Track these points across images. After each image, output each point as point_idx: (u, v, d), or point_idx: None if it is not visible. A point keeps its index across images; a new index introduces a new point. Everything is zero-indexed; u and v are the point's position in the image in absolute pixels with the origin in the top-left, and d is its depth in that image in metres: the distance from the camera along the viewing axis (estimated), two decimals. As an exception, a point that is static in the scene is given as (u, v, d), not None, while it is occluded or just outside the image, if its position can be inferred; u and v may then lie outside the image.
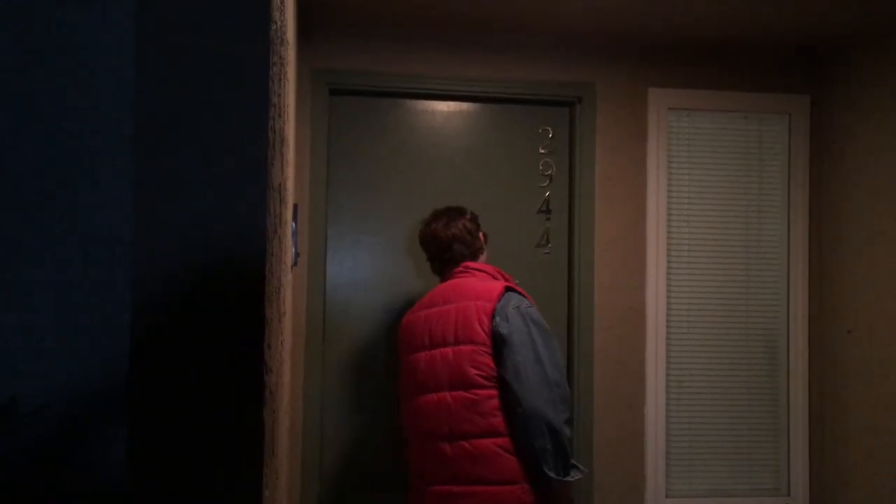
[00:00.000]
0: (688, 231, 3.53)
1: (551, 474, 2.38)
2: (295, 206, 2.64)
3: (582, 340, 3.44)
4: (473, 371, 2.45)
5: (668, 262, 3.50)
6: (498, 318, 2.46)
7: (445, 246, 2.75)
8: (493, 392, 2.44)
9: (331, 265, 3.39)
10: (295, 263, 2.68)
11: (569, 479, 2.40)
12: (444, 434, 2.45)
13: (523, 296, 2.57)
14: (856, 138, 3.36)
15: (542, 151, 3.52)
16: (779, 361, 3.56)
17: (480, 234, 2.81)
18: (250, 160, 1.02)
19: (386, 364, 3.41)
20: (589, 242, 3.46)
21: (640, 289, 3.48)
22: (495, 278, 2.68)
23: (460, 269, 2.72)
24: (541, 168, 3.52)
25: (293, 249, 2.60)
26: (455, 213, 2.80)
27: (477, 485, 2.39)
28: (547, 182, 3.52)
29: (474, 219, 2.82)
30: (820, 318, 3.56)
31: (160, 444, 1.03)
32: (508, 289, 2.56)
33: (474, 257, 2.77)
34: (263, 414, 1.03)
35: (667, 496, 3.46)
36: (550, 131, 3.53)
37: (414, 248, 3.41)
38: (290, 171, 2.12)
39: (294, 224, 2.62)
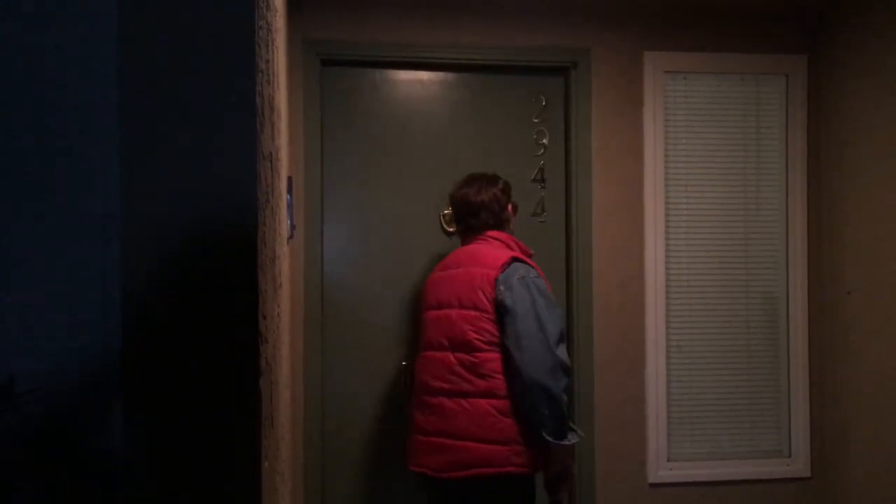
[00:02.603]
0: (686, 195, 3.51)
1: (549, 438, 2.45)
2: (289, 179, 2.61)
3: (581, 307, 3.43)
4: (474, 335, 2.52)
5: (667, 226, 3.49)
6: (502, 287, 2.52)
7: (473, 211, 2.77)
8: (494, 356, 2.51)
9: (328, 237, 3.37)
10: (291, 236, 2.67)
11: (565, 442, 2.47)
12: (444, 390, 2.55)
13: (531, 266, 2.60)
14: (854, 98, 3.32)
15: (536, 120, 3.49)
16: (779, 323, 3.56)
17: (509, 206, 2.83)
18: (239, 127, 1.00)
19: (385, 333, 3.40)
20: (586, 210, 3.44)
21: (638, 254, 3.47)
22: (509, 247, 2.71)
23: (481, 235, 2.76)
24: (535, 137, 3.49)
25: (288, 221, 2.58)
26: (488, 180, 2.81)
27: (471, 441, 2.46)
28: (541, 151, 3.49)
29: (506, 189, 2.83)
30: (820, 280, 3.55)
31: (156, 415, 1.02)
32: (515, 259, 2.60)
33: (500, 227, 2.79)
34: (260, 384, 1.02)
35: (668, 459, 3.47)
36: (544, 99, 3.50)
37: (411, 217, 3.39)
38: (283, 142, 2.10)
39: (289, 196, 2.60)
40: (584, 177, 3.44)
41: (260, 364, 1.03)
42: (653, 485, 3.46)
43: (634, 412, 3.47)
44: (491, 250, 2.67)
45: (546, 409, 2.42)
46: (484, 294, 2.54)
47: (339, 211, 3.39)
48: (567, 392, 2.47)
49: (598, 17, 3.46)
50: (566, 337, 2.70)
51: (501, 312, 2.51)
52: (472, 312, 2.55)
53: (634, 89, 3.47)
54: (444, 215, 3.40)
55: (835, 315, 3.46)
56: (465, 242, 2.83)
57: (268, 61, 1.21)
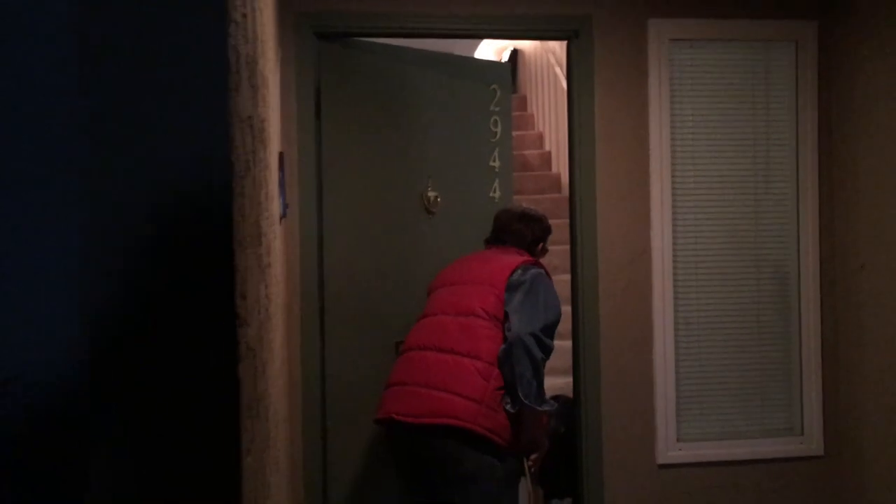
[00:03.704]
0: (693, 168, 3.42)
1: (526, 401, 2.57)
2: (281, 155, 2.50)
3: (586, 286, 3.35)
4: (478, 303, 2.70)
5: (674, 201, 3.39)
6: (519, 271, 2.75)
7: (509, 232, 2.98)
8: (487, 324, 2.67)
9: (326, 217, 3.25)
10: (283, 215, 2.56)
11: (539, 407, 2.60)
12: (432, 345, 2.69)
13: (547, 273, 2.84)
14: (867, 65, 3.22)
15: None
16: (790, 299, 3.48)
17: (541, 245, 3.03)
18: (208, 83, 0.88)
19: (387, 316, 3.32)
20: (590, 186, 3.34)
21: (645, 230, 3.38)
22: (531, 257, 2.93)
23: (506, 248, 2.95)
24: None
25: (281, 199, 2.48)
26: (533, 218, 3.02)
27: (443, 392, 2.57)
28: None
29: (545, 231, 3.03)
30: (832, 254, 3.46)
31: (127, 404, 0.92)
32: (538, 264, 2.85)
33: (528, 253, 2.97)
34: (240, 371, 0.92)
35: (678, 440, 3.40)
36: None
37: (411, 197, 3.31)
38: (273, 115, 1.98)
39: (281, 173, 2.49)
40: (586, 153, 3.34)
41: (239, 350, 0.92)
42: (662, 466, 3.40)
43: (642, 392, 3.39)
44: (515, 253, 2.90)
45: (527, 371, 2.56)
46: (500, 275, 2.73)
47: (337, 189, 3.28)
48: (542, 367, 2.62)
49: (601, -17, 3.34)
50: (554, 334, 2.78)
51: (512, 288, 2.69)
52: (483, 287, 2.73)
53: (639, 59, 3.36)
54: (428, 196, 3.41)
55: (848, 290, 3.38)
56: (489, 248, 3.02)
57: (244, 15, 1.09)
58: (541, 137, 7.16)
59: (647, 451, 3.39)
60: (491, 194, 3.65)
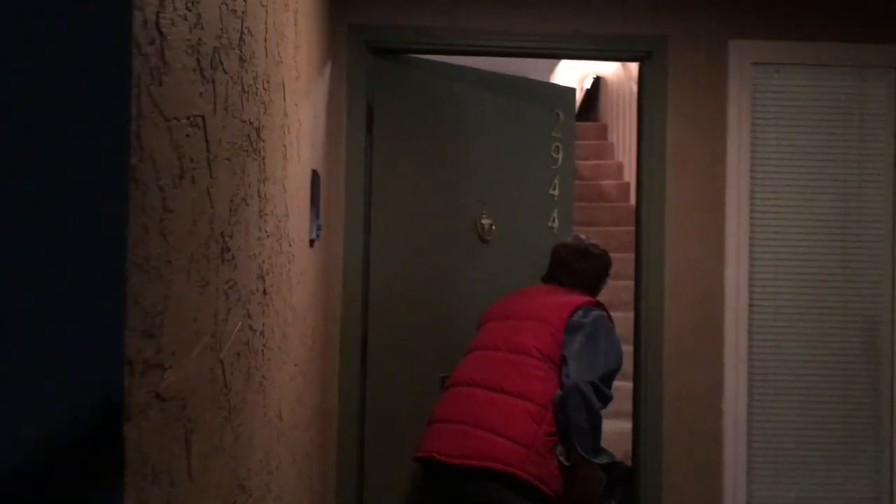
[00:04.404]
0: (774, 203, 3.15)
1: (582, 453, 2.46)
2: (314, 173, 2.33)
3: (650, 327, 3.11)
4: (531, 341, 2.58)
5: (751, 238, 3.13)
6: (581, 312, 2.65)
7: (563, 273, 2.88)
8: (540, 364, 2.54)
9: (373, 241, 3.08)
10: (315, 237, 2.39)
11: (595, 459, 2.50)
12: (480, 382, 2.57)
13: (609, 316, 2.75)
14: (978, 93, 2.88)
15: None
16: (880, 352, 3.17)
17: (602, 284, 2.94)
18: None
19: (433, 348, 3.16)
20: (659, 216, 3.11)
21: (718, 269, 3.12)
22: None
23: (567, 287, 2.85)
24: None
25: (312, 222, 2.31)
26: (594, 256, 2.91)
27: (490, 433, 2.44)
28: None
29: (606, 268, 2.94)
30: (930, 304, 3.12)
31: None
32: (599, 304, 2.76)
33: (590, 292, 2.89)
34: (124, 433, 0.72)
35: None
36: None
37: (464, 224, 3.13)
38: (284, 121, 1.80)
39: (313, 193, 2.32)
40: (657, 181, 3.11)
41: (124, 404, 0.72)
42: None
43: (709, 450, 3.12)
44: (575, 293, 2.79)
45: (584, 422, 2.45)
46: (559, 313, 2.63)
47: (385, 211, 3.12)
48: (600, 418, 2.52)
49: (677, 0, 3.11)
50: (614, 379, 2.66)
51: (571, 330, 2.59)
52: (540, 324, 2.62)
53: (717, 83, 3.12)
54: (482, 224, 3.27)
55: (949, 345, 3.01)
56: (545, 282, 2.93)
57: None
58: (620, 168, 6.92)
59: None
60: (550, 224, 3.50)
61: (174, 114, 0.89)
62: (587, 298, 2.74)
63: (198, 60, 0.98)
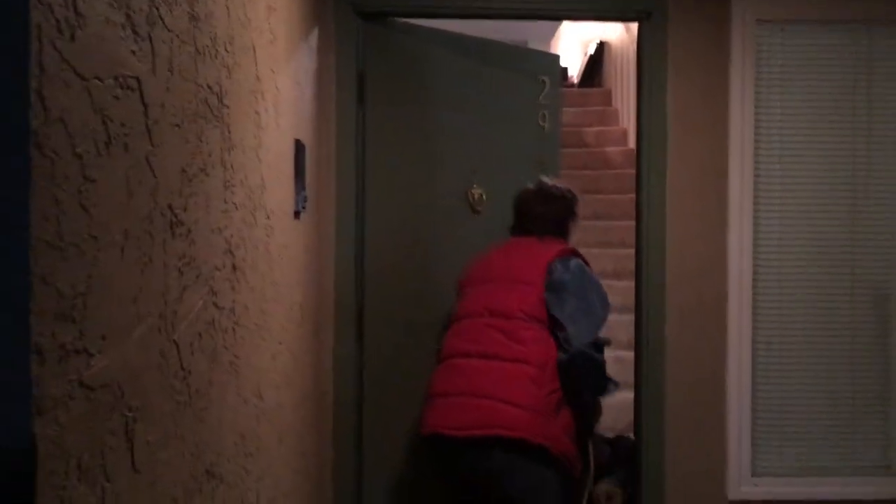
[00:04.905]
0: (779, 167, 3.05)
1: (589, 399, 2.62)
2: (297, 143, 2.24)
3: (651, 297, 3.03)
4: (517, 305, 2.54)
5: (755, 204, 3.03)
6: (559, 266, 2.59)
7: (527, 220, 2.81)
8: (529, 326, 2.52)
9: (368, 213, 3.01)
10: (300, 209, 2.30)
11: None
12: (475, 352, 2.53)
13: (584, 261, 2.72)
14: None
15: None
16: (890, 321, 3.09)
17: (569, 225, 2.85)
18: None
19: (430, 321, 3.06)
20: (659, 182, 3.01)
21: (720, 235, 3.03)
22: (566, 244, 2.78)
23: (537, 236, 2.77)
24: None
25: (296, 193, 2.22)
26: (554, 198, 2.83)
27: (497, 401, 2.42)
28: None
29: (569, 209, 2.85)
30: (942, 270, 3.04)
31: None
32: (575, 252, 2.71)
33: (561, 236, 2.83)
34: (34, 429, 0.63)
35: (753, 474, 3.06)
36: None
37: (456, 195, 3.04)
38: (282, 96, 1.71)
39: (297, 164, 2.23)
40: (657, 146, 3.00)
41: (43, 395, 0.64)
42: (733, 502, 3.06)
43: (713, 418, 3.05)
44: (547, 242, 2.73)
45: (591, 377, 2.52)
46: (536, 270, 2.59)
47: (379, 183, 3.03)
48: (604, 363, 2.57)
49: (677, -43, 3.00)
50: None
51: (555, 288, 2.56)
52: (522, 286, 2.58)
53: (720, 42, 3.00)
54: (473, 194, 3.19)
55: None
56: (516, 235, 2.84)
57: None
58: (624, 134, 6.81)
59: (716, 485, 3.05)
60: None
61: (95, 73, 0.81)
62: (559, 247, 2.68)
63: (127, 15, 0.89)
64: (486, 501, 2.56)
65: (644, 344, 3.04)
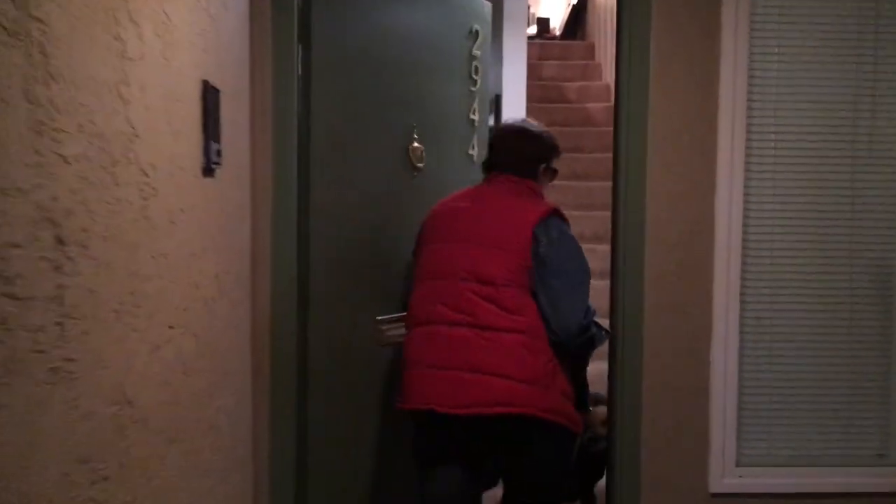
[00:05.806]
0: (774, 126, 2.87)
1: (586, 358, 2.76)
2: (205, 84, 1.90)
3: (629, 267, 2.84)
4: (498, 270, 2.49)
5: (747, 164, 2.85)
6: (543, 239, 2.54)
7: (502, 154, 2.75)
8: (516, 293, 2.49)
9: (313, 172, 2.76)
10: (214, 163, 1.97)
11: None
12: (463, 321, 2.48)
13: (568, 223, 2.67)
14: None
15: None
16: (891, 298, 2.96)
17: (543, 167, 2.77)
18: None
19: (377, 294, 2.85)
20: (640, 138, 2.80)
21: (707, 199, 2.84)
22: (542, 199, 2.72)
23: (510, 177, 2.70)
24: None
25: (203, 144, 1.88)
26: (532, 136, 2.77)
27: (492, 376, 2.42)
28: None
29: (549, 150, 2.79)
30: (949, 243, 2.90)
31: None
32: (556, 211, 2.63)
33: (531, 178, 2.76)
34: None
35: (737, 464, 2.93)
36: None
37: (397, 151, 2.81)
38: (174, 25, 1.36)
39: (206, 110, 1.89)
40: (637, 97, 2.79)
41: None
42: (715, 495, 2.93)
43: (694, 404, 2.91)
44: (524, 196, 2.66)
45: (585, 343, 2.60)
46: (519, 236, 2.52)
47: (326, 147, 2.80)
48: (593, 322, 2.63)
49: None
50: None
51: (540, 264, 2.52)
52: (503, 252, 2.52)
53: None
54: (414, 148, 3.05)
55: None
56: (488, 181, 2.74)
57: None
58: (608, 89, 6.62)
59: (697, 476, 2.91)
60: (470, 151, 3.31)
61: None
62: (542, 209, 2.59)
63: None
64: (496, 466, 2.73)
65: (619, 317, 2.86)
